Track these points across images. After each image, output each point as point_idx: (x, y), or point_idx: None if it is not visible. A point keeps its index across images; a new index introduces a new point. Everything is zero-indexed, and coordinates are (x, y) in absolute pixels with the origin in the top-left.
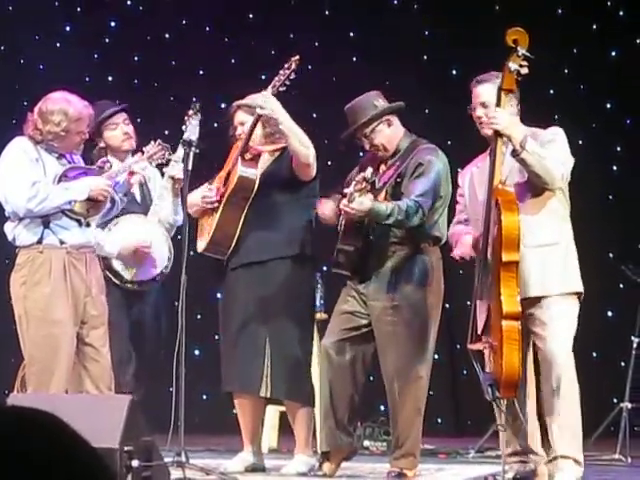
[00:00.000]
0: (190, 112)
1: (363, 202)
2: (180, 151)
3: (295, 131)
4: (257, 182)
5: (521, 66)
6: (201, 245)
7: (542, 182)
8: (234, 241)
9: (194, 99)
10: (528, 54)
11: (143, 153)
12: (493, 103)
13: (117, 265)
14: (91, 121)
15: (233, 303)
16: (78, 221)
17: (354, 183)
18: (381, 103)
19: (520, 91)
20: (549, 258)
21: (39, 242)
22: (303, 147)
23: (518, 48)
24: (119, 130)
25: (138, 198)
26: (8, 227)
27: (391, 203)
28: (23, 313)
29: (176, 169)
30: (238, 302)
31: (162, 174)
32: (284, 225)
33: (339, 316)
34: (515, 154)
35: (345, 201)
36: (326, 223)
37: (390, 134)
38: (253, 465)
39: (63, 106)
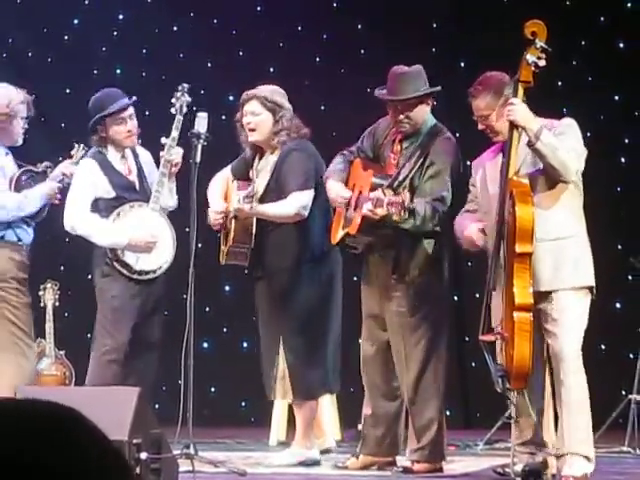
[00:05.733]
0: (178, 94)
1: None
2: (174, 133)
3: (274, 214)
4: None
5: (539, 58)
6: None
7: (557, 174)
8: (249, 255)
9: (184, 84)
10: (546, 47)
11: (71, 157)
12: (489, 114)
13: (126, 256)
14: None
15: (259, 312)
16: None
17: (387, 200)
18: (427, 81)
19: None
20: (562, 252)
21: None
22: (289, 218)
23: (536, 40)
24: (124, 126)
25: (137, 186)
26: None
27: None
28: None
29: (173, 153)
30: (261, 311)
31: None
32: (297, 230)
33: None
34: (530, 145)
35: (370, 206)
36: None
37: (424, 113)
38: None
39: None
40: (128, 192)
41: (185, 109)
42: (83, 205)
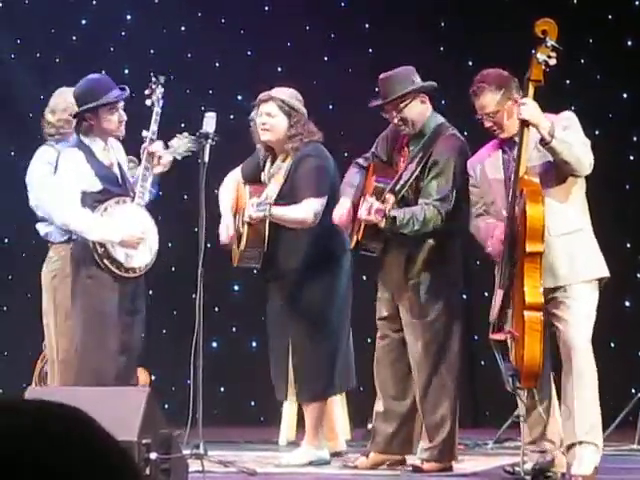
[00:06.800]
0: (153, 86)
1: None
2: (154, 126)
3: (288, 219)
4: (267, 233)
5: (549, 57)
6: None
7: (571, 169)
8: (261, 258)
9: (151, 73)
10: (557, 45)
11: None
12: (498, 110)
13: (117, 253)
14: None
15: (269, 314)
16: None
17: (375, 207)
18: (418, 79)
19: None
20: (575, 245)
21: None
22: (300, 224)
23: (547, 39)
24: (117, 116)
25: (119, 179)
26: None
27: (409, 211)
28: None
29: (155, 146)
30: (272, 313)
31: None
32: (309, 232)
33: None
34: (545, 143)
35: (364, 212)
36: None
37: (420, 112)
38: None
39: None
40: (112, 185)
41: (161, 101)
42: (74, 199)
